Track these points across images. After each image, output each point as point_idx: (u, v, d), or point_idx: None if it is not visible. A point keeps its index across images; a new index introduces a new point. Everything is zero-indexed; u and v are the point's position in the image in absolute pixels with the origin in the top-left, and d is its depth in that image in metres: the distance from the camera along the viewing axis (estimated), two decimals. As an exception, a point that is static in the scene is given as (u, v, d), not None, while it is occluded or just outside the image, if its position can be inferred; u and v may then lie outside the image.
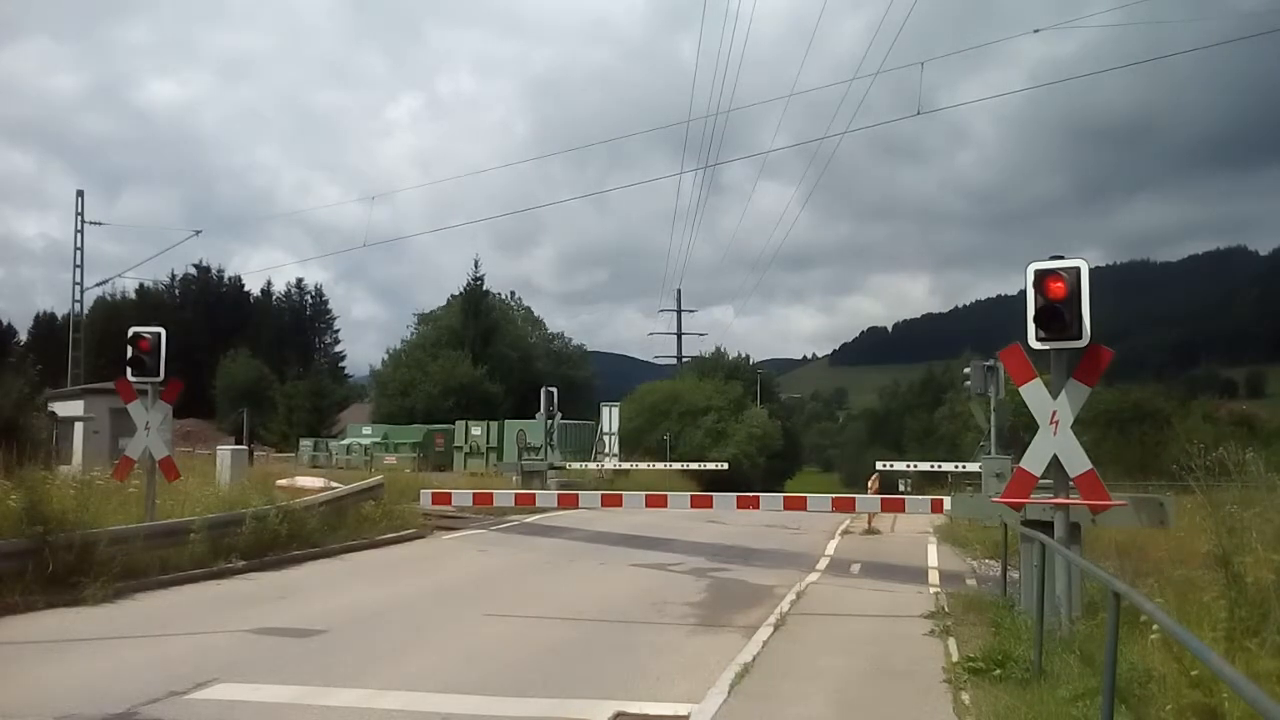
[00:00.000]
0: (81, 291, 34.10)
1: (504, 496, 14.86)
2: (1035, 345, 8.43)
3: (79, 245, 33.41)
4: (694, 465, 39.39)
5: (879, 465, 31.65)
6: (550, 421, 30.51)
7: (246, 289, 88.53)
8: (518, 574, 13.76)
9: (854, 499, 12.86)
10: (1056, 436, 8.36)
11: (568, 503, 14.51)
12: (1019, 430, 22.53)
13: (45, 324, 78.95)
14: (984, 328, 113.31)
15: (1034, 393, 8.53)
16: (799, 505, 13.24)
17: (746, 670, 7.62)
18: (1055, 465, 8.43)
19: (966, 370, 23.44)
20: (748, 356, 78.44)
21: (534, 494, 14.97)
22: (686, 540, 17.60)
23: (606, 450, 36.81)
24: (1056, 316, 8.20)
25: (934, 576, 13.97)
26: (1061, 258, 8.36)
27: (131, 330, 13.79)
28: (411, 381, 61.50)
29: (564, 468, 31.50)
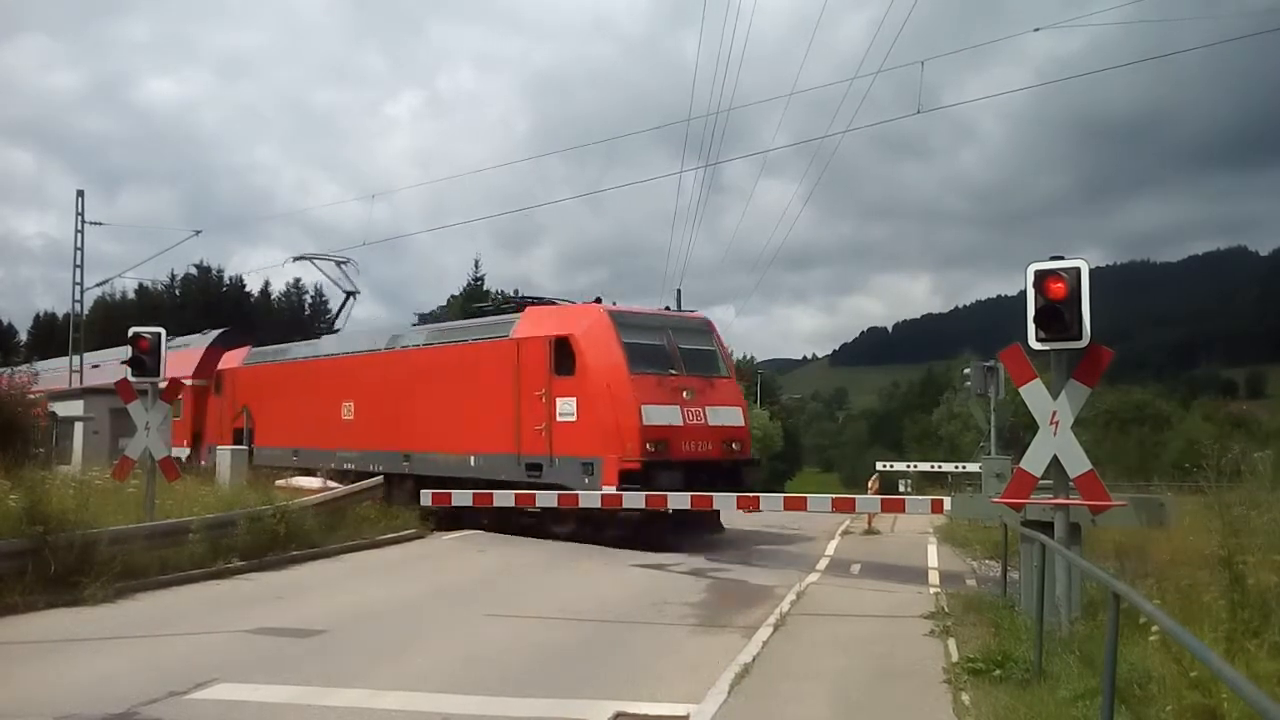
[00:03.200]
0: (81, 291, 33.98)
1: (504, 497, 14.83)
2: (1035, 345, 8.44)
3: (79, 245, 33.33)
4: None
5: (879, 465, 31.72)
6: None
7: (247, 289, 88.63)
8: (517, 574, 13.76)
9: (854, 499, 12.83)
10: (1056, 437, 8.36)
11: (568, 502, 14.49)
12: (1019, 430, 22.59)
13: (45, 324, 79.06)
14: (984, 328, 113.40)
15: (1034, 393, 8.54)
16: (799, 506, 13.22)
17: (746, 670, 7.61)
18: (1055, 466, 8.43)
19: (966, 370, 23.51)
20: (752, 357, 78.36)
21: (534, 494, 14.93)
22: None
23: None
24: (1056, 317, 8.21)
25: (934, 577, 13.96)
26: (1062, 258, 8.37)
27: (131, 330, 13.81)
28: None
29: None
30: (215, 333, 29.79)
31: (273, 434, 23.65)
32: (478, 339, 18.72)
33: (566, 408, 16.13)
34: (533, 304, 18.81)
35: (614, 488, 14.63)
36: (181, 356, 28.73)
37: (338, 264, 25.88)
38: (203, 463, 24.93)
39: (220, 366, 26.66)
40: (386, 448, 20.01)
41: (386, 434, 20.07)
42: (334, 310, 28.14)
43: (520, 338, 17.24)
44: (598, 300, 17.76)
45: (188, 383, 27.31)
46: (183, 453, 25.25)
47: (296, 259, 26.79)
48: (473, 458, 17.88)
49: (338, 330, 26.21)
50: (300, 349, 24.94)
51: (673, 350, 16.68)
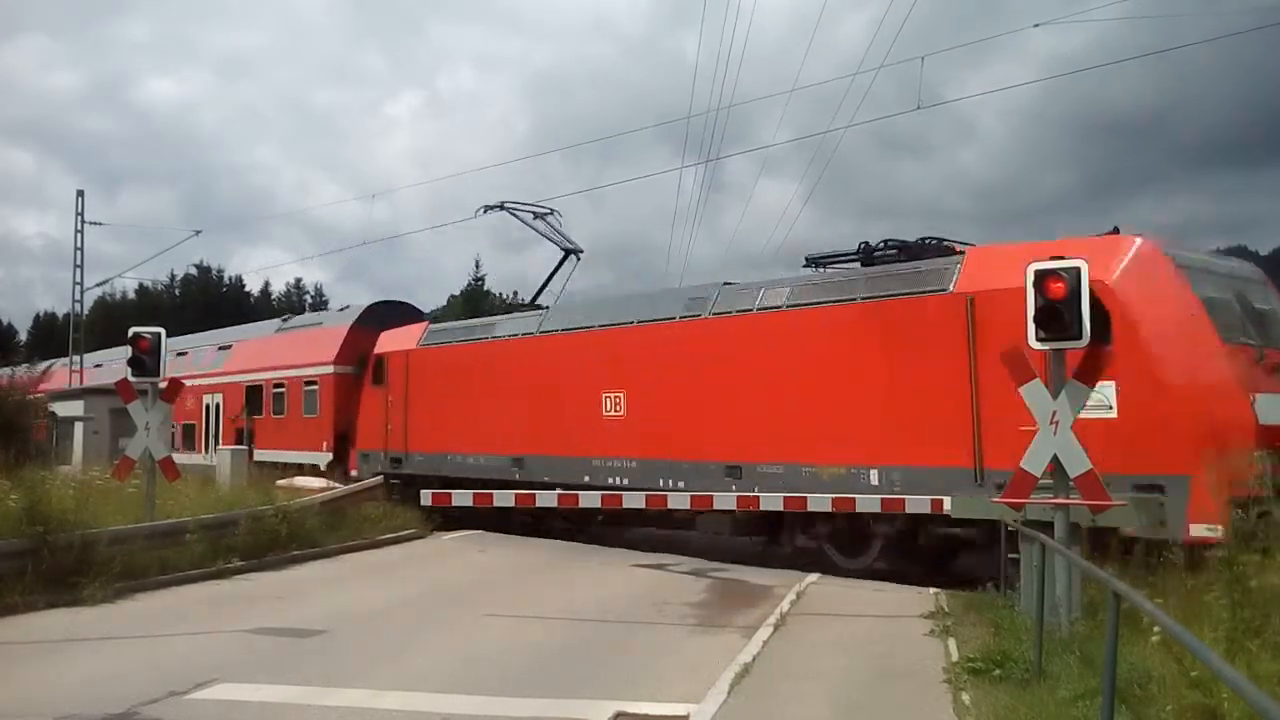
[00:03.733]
0: (82, 291, 33.94)
1: (504, 496, 14.83)
2: (1035, 345, 8.44)
3: (79, 245, 33.30)
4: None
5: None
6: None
7: (247, 289, 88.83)
8: (517, 574, 13.77)
9: (854, 499, 12.79)
10: (1056, 436, 8.36)
11: (568, 502, 14.50)
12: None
13: (45, 324, 79.22)
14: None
15: (1034, 393, 8.53)
16: (799, 505, 13.19)
17: (746, 670, 7.61)
18: (1055, 465, 8.43)
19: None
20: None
21: (534, 494, 14.93)
22: (686, 540, 17.57)
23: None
24: (1056, 317, 8.21)
25: (934, 577, 13.94)
26: (1061, 258, 8.37)
27: (131, 330, 13.81)
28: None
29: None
30: (360, 307, 24.06)
31: (470, 438, 18.41)
32: (875, 297, 12.88)
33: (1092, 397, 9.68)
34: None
35: (1208, 528, 9.01)
36: (317, 337, 23.59)
37: (535, 216, 20.80)
38: (353, 473, 20.36)
39: (380, 350, 20.70)
40: (692, 457, 14.66)
41: (692, 438, 14.70)
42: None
43: (976, 291, 11.72)
44: (1114, 231, 11.69)
45: (329, 370, 22.16)
46: (323, 459, 21.68)
47: (489, 209, 20.86)
48: (874, 472, 12.72)
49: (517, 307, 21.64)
50: (515, 323, 18.81)
51: (1248, 311, 11.25)
